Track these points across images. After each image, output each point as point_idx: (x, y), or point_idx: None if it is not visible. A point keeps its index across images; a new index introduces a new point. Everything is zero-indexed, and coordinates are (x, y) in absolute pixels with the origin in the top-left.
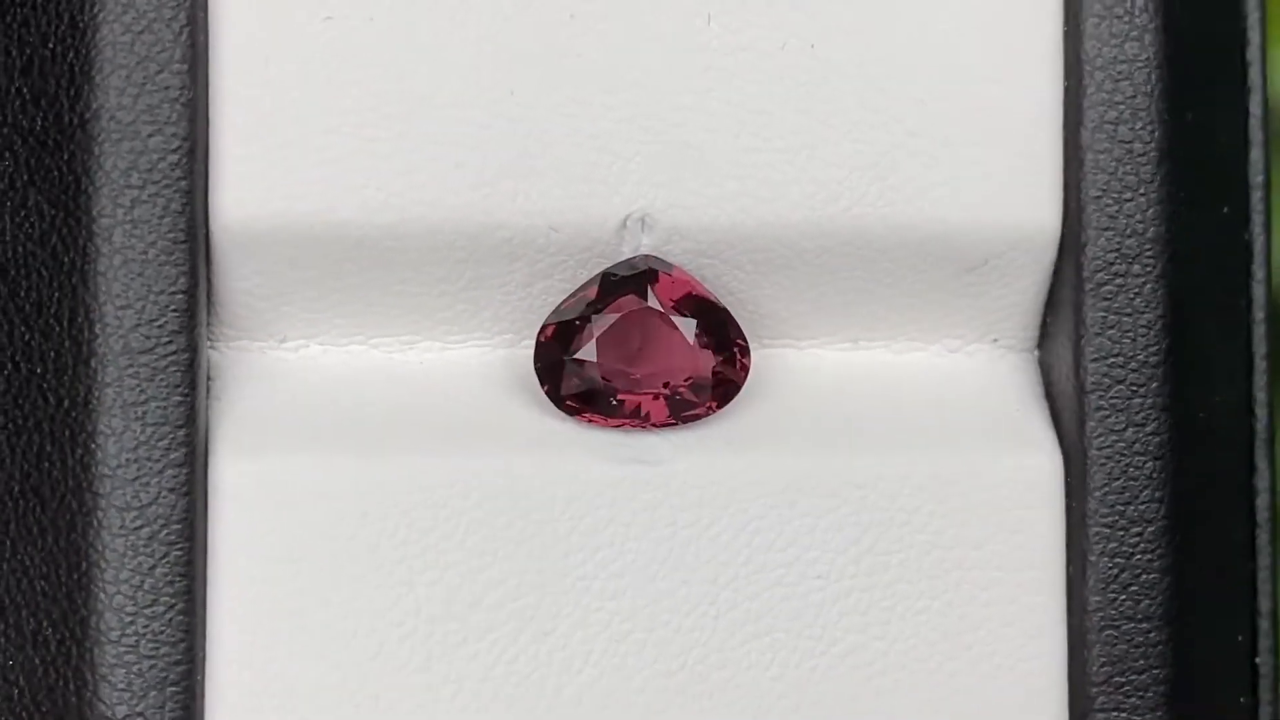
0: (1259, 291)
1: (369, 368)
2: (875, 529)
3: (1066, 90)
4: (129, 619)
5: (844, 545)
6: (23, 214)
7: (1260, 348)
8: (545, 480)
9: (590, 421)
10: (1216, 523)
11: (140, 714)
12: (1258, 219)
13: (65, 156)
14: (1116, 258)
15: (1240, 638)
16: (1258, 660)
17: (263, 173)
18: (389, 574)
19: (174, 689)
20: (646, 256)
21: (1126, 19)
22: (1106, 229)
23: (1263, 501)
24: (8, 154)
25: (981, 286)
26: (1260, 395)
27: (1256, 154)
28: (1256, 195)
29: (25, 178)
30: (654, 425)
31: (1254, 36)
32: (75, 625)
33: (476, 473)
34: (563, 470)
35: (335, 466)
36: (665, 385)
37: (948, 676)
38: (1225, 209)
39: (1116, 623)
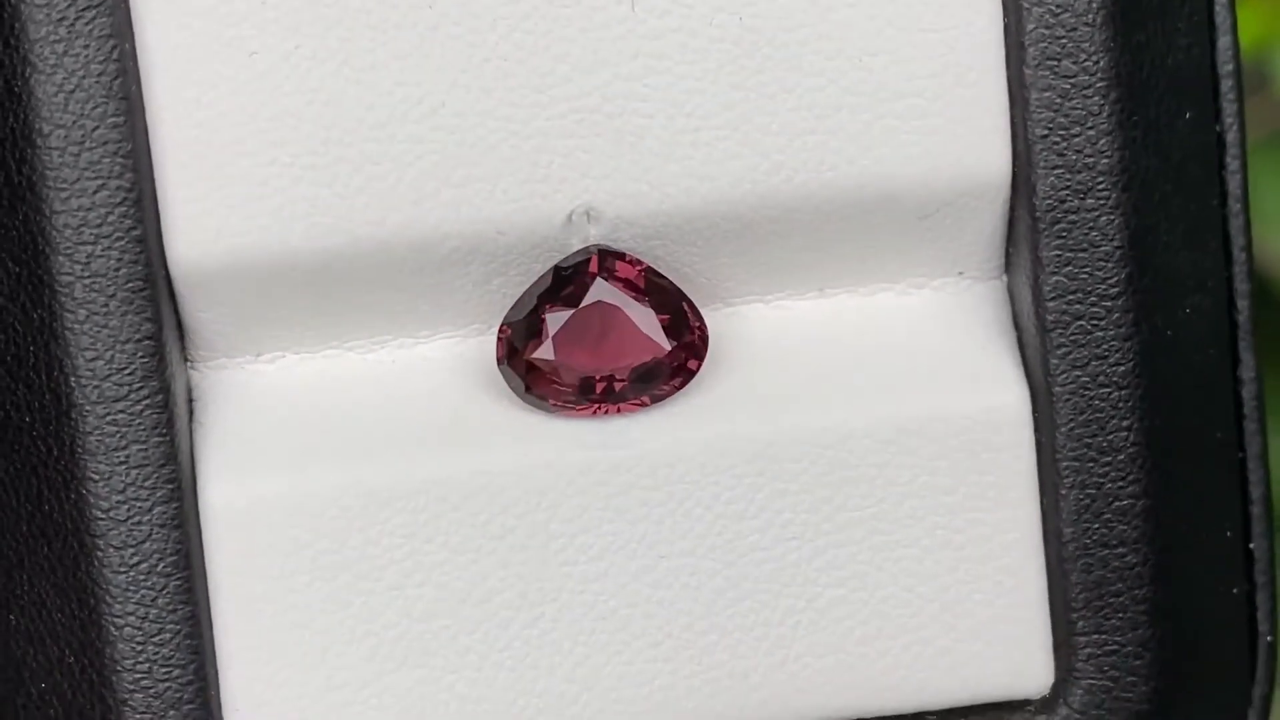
0: (1234, 182)
1: (344, 372)
2: (846, 486)
3: (1006, 29)
4: (139, 648)
5: (815, 505)
6: None
7: (1239, 239)
8: (520, 472)
9: (560, 410)
10: (1196, 429)
11: None
12: (1229, 108)
13: (20, 218)
14: (1068, 194)
15: (1229, 533)
16: (1252, 546)
17: (210, 212)
18: (378, 578)
19: (190, 706)
20: (597, 246)
21: None
22: (1056, 166)
23: (1249, 391)
24: None
25: (939, 229)
26: (1241, 287)
27: (1225, 41)
28: (1227, 85)
29: None
30: (623, 408)
31: None
32: (93, 655)
33: (453, 472)
34: (537, 461)
35: (316, 480)
36: (627, 370)
37: (929, 619)
38: (1189, 114)
39: (1091, 550)
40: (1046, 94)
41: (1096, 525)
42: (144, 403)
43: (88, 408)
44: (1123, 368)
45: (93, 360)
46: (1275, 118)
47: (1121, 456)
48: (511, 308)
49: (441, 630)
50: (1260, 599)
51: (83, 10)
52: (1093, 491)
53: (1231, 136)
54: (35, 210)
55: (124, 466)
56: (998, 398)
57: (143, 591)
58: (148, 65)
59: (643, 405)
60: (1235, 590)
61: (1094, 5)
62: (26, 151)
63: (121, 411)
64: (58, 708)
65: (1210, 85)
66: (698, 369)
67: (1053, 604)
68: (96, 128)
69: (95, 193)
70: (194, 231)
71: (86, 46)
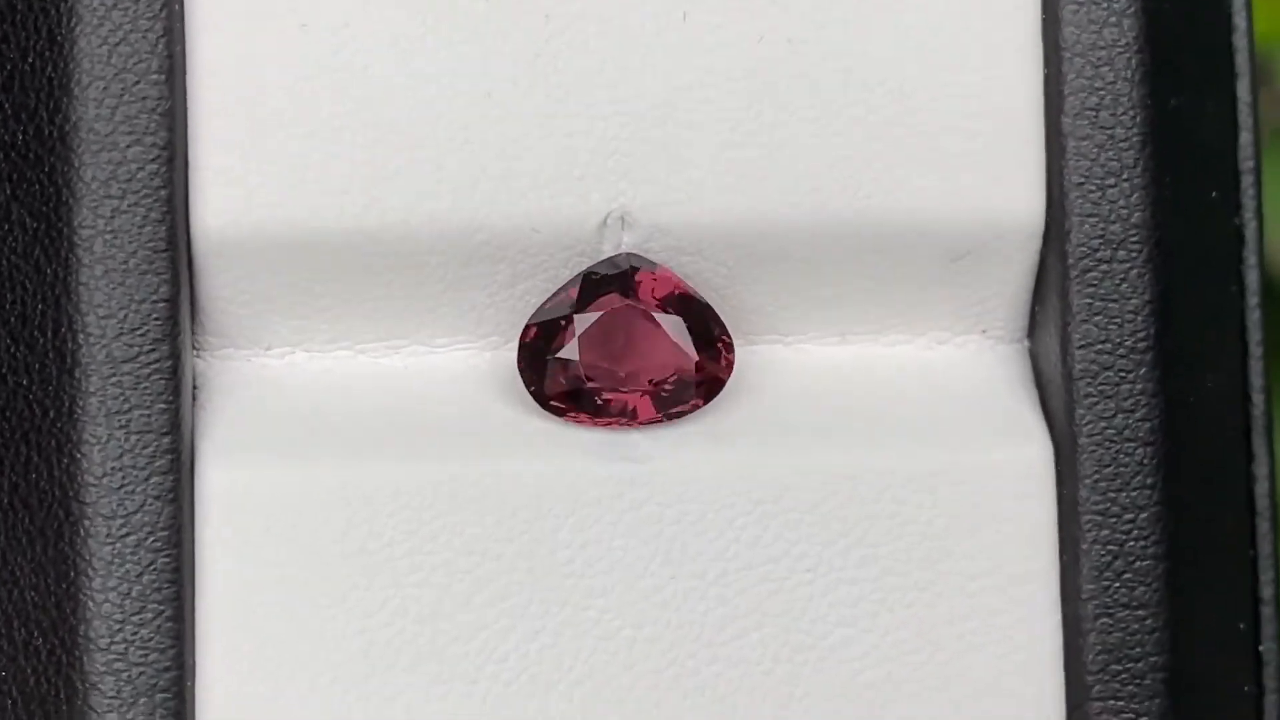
0: (1252, 278)
1: (355, 374)
2: (864, 522)
3: (1046, 78)
4: (117, 626)
5: (831, 538)
6: (5, 228)
7: (1255, 334)
8: (531, 480)
9: (576, 421)
10: (1211, 510)
11: None
12: (1249, 205)
13: (46, 169)
14: (1101, 244)
15: (1242, 626)
16: (1261, 648)
17: (242, 180)
18: (375, 576)
19: (163, 695)
20: (628, 254)
21: (1105, 5)
22: (1090, 215)
23: (1261, 489)
24: None
25: (968, 277)
26: (1257, 382)
27: (1246, 139)
28: (1247, 180)
29: (8, 191)
30: (640, 423)
31: (1240, 22)
32: (65, 634)
33: (461, 474)
34: (549, 470)
35: (320, 472)
36: (650, 383)
37: (939, 667)
38: (1213, 194)
39: (1111, 610)
40: (1084, 143)
41: (1117, 585)
42: (152, 367)
43: (93, 368)
44: (1149, 424)
45: (104, 318)
46: (1278, 115)
47: (1145, 515)
48: (539, 309)
49: (436, 635)
50: (1268, 704)
51: None
52: (1114, 549)
53: (1250, 232)
54: (63, 161)
55: (123, 431)
56: (1021, 449)
57: (128, 566)
58: (195, 27)
59: (662, 421)
60: (1246, 688)
61: (1131, 63)
62: (62, 101)
63: (128, 374)
64: (16, 696)
65: (1233, 175)
66: (723, 385)
67: (1068, 664)
68: (137, 83)
69: (127, 148)
70: (222, 199)
71: (136, 2)
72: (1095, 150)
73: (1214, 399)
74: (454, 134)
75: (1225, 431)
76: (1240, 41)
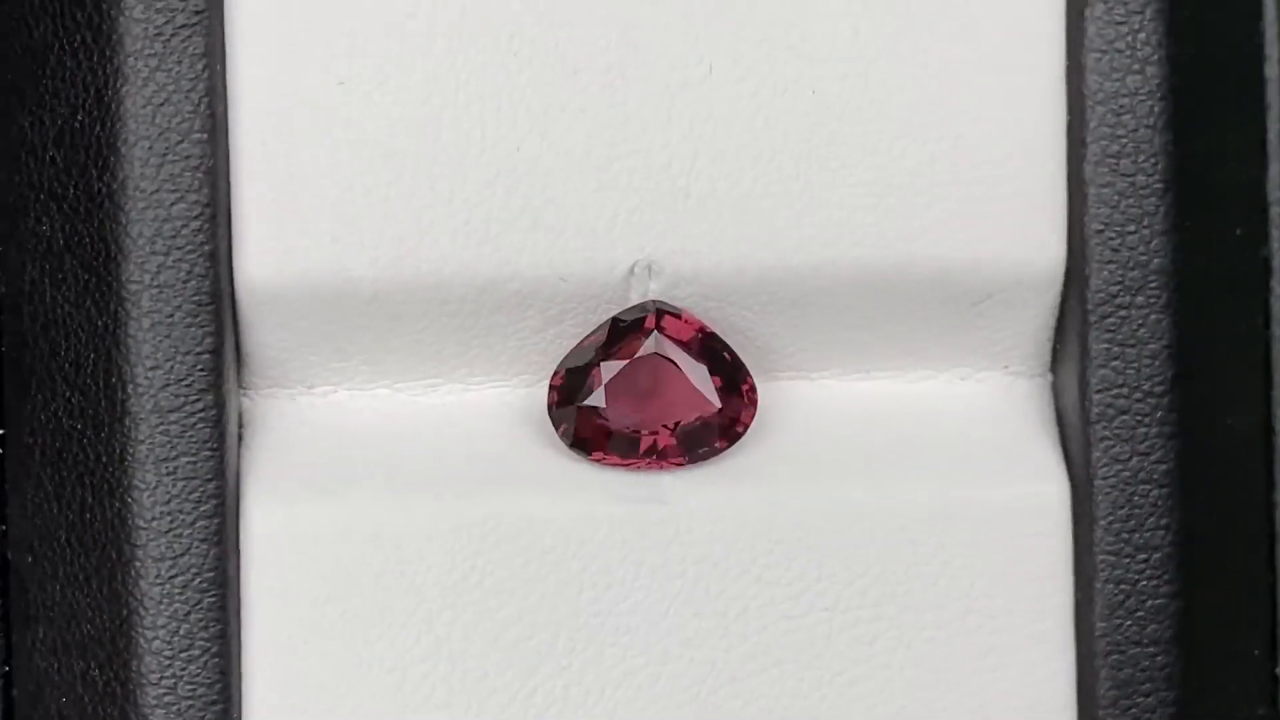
0: (1279, 307)
1: (394, 412)
2: (882, 561)
3: (1069, 125)
4: (166, 663)
5: (850, 578)
6: (60, 276)
7: None
8: (559, 520)
9: (604, 462)
10: (1230, 543)
11: None
12: (1277, 234)
13: (95, 224)
14: (1120, 290)
15: (1257, 652)
16: (1278, 671)
17: (281, 234)
18: (410, 614)
19: None
20: (654, 301)
21: (1128, 52)
22: (1110, 262)
23: None
24: (45, 219)
25: (989, 318)
26: None
27: (1276, 169)
28: (1276, 211)
29: (61, 242)
30: (666, 465)
31: (1272, 52)
32: (119, 668)
33: (493, 515)
34: (576, 510)
35: (358, 512)
36: (674, 426)
37: (955, 703)
38: (1239, 231)
39: (1122, 648)
40: (1105, 190)
41: (1129, 623)
42: (197, 416)
43: (142, 417)
44: (1164, 466)
45: (152, 369)
46: None
47: (1158, 555)
48: (567, 355)
49: (467, 672)
50: None
51: (179, 28)
52: (1127, 588)
53: (1278, 261)
54: (111, 218)
55: (171, 478)
56: (1038, 487)
57: (176, 605)
58: (236, 87)
59: (687, 464)
60: (1262, 713)
61: (1155, 110)
62: (110, 160)
63: (175, 423)
64: None
65: (1261, 207)
66: (745, 430)
67: (1080, 700)
68: (180, 142)
69: (172, 205)
70: (263, 252)
71: (179, 64)
72: (1116, 197)
73: (1237, 435)
74: (483, 187)
75: (1249, 465)
76: (1271, 72)
